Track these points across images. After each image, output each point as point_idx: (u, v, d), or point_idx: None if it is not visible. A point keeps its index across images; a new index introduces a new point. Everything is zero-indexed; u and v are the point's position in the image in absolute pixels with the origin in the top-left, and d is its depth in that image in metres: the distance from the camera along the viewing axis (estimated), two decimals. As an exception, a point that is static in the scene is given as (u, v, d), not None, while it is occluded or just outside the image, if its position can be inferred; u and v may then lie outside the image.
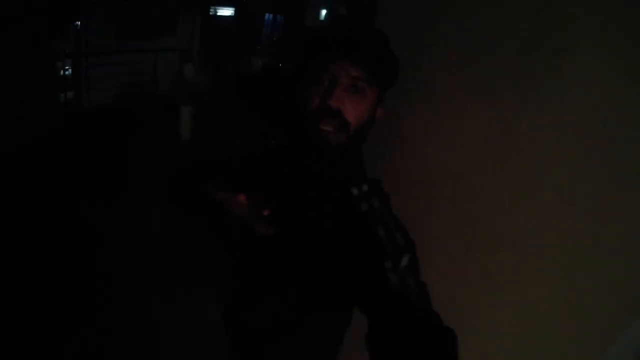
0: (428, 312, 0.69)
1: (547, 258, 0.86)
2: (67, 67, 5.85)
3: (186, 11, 7.47)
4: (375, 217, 0.79)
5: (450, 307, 0.77)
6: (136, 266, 2.79)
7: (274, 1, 8.92)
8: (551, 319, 0.87)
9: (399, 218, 0.82)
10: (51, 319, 2.27)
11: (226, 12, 8.69)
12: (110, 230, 3.19)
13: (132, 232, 3.19)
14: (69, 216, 3.28)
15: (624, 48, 0.73)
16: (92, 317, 2.36)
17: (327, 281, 0.80)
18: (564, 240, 0.83)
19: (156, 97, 6.89)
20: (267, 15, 9.37)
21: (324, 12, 9.43)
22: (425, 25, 1.15)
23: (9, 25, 4.29)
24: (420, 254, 0.78)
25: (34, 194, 3.44)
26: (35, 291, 2.43)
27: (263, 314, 0.94)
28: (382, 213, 0.81)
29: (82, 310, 2.38)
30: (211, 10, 8.40)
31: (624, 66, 0.73)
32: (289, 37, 9.26)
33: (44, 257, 2.74)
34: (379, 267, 0.72)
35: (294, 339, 0.94)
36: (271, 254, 0.88)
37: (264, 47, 9.25)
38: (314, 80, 0.79)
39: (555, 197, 0.84)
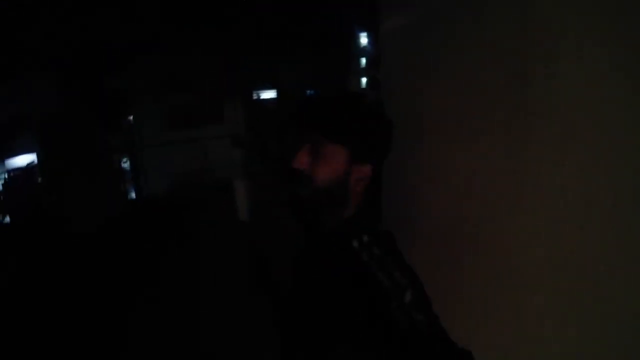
0: (442, 343, 0.72)
1: (554, 264, 0.88)
2: (125, 160, 6.08)
3: (231, 98, 7.80)
4: (375, 264, 0.82)
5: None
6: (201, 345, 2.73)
7: (312, 77, 9.20)
8: (563, 329, 0.88)
9: (402, 259, 0.85)
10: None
11: (268, 94, 9.01)
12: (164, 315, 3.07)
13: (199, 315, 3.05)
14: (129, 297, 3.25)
15: (625, 46, 0.72)
16: None
17: (337, 333, 0.82)
18: (579, 263, 0.83)
19: (210, 183, 7.00)
20: (307, 91, 9.66)
21: (364, 80, 9.63)
22: (422, 70, 1.23)
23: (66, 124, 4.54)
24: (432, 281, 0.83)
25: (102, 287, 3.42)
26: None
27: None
28: (382, 258, 0.84)
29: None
30: (254, 94, 8.74)
31: (624, 64, 0.72)
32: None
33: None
34: (385, 310, 0.75)
35: None
36: (286, 317, 0.97)
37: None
38: (293, 147, 0.89)
39: (559, 204, 0.85)
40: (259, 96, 8.79)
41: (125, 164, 6.09)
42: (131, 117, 6.06)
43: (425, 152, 1.25)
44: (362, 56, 9.55)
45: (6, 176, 4.73)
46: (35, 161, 4.90)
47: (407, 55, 1.30)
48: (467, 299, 1.10)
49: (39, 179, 4.80)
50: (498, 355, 1.02)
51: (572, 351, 0.87)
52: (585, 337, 0.84)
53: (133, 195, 6.22)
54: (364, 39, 9.40)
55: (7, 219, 4.63)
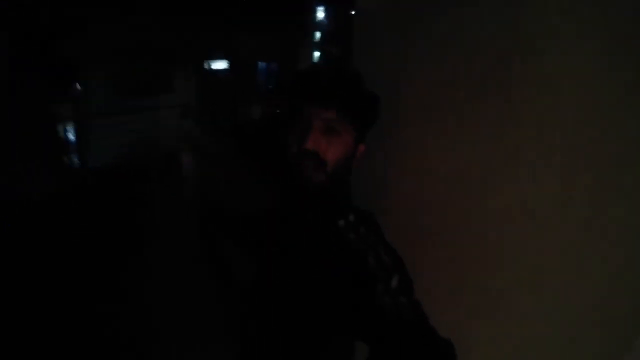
0: (424, 328, 0.72)
1: (549, 269, 0.87)
2: (69, 129, 5.82)
3: (182, 68, 7.56)
4: (362, 244, 0.81)
5: (450, 323, 0.78)
6: (145, 322, 2.74)
7: (265, 49, 9.09)
8: (559, 330, 0.87)
9: (386, 241, 0.84)
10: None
11: (220, 65, 8.81)
12: (117, 286, 3.13)
13: (140, 287, 3.13)
14: (76, 273, 3.24)
15: (616, 42, 0.73)
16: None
17: (322, 313, 0.82)
18: (565, 250, 0.83)
19: (159, 153, 6.85)
20: (260, 63, 9.53)
21: (316, 54, 9.63)
22: (400, 56, 1.16)
23: (11, 90, 4.29)
24: (418, 278, 0.80)
25: (40, 256, 3.39)
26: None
27: (266, 343, 0.96)
28: (369, 239, 0.83)
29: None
30: (205, 64, 8.52)
31: (616, 60, 0.73)
32: (283, 83, 9.38)
33: (49, 312, 2.70)
34: (370, 292, 0.74)
35: None
36: (267, 293, 0.92)
37: (260, 96, 9.34)
38: (293, 124, 0.84)
39: (553, 208, 0.85)
40: (210, 66, 8.57)
41: (70, 134, 5.83)
42: (78, 85, 5.76)
43: (398, 142, 1.19)
44: (317, 30, 9.51)
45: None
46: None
47: (384, 38, 1.21)
48: (440, 293, 1.07)
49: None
50: (483, 350, 1.01)
51: (561, 349, 0.86)
52: (575, 336, 0.83)
53: (77, 165, 5.99)
54: (320, 13, 9.34)
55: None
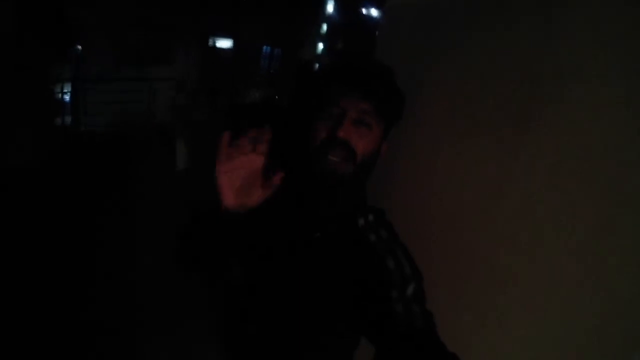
0: (433, 340, 0.70)
1: (549, 291, 0.85)
2: (65, 92, 5.80)
3: (184, 41, 7.54)
4: (383, 247, 0.81)
5: (453, 336, 0.75)
6: (126, 297, 2.71)
7: (272, 34, 9.09)
8: (564, 339, 0.85)
9: (406, 247, 0.83)
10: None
11: (224, 43, 8.79)
12: (100, 258, 3.12)
13: (123, 261, 3.12)
14: (61, 239, 3.22)
15: (619, 74, 0.73)
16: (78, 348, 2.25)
17: (333, 311, 0.81)
18: (566, 272, 0.82)
19: (152, 125, 6.86)
20: (264, 47, 9.52)
21: (320, 45, 9.65)
22: (423, 59, 1.15)
23: (10, 48, 4.27)
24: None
25: (28, 218, 3.38)
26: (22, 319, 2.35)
27: (268, 341, 0.93)
28: (390, 242, 0.83)
29: (68, 342, 2.27)
30: (209, 41, 8.49)
31: (620, 92, 0.73)
32: (285, 70, 9.40)
33: (35, 280, 2.68)
34: (385, 297, 0.73)
35: None
36: (276, 284, 0.88)
37: (260, 79, 9.35)
38: (323, 112, 0.82)
39: (556, 227, 0.83)
40: (214, 43, 8.55)
41: (66, 96, 5.82)
42: (79, 47, 5.74)
43: (408, 143, 1.17)
44: (325, 22, 9.52)
45: None
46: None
47: (411, 38, 1.19)
48: (443, 297, 1.03)
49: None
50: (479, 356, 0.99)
51: (553, 350, 0.85)
52: (580, 343, 0.82)
53: (71, 128, 5.99)
54: (330, 6, 9.34)
55: None
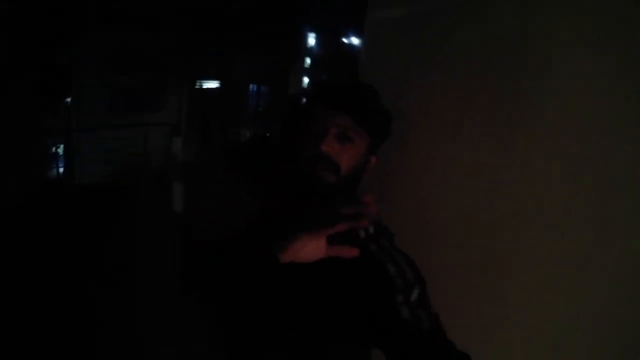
0: (442, 341, 0.73)
1: (549, 291, 0.87)
2: (59, 144, 5.72)
3: (174, 85, 7.59)
4: (384, 255, 0.84)
5: (457, 327, 0.78)
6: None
7: (258, 72, 9.21)
8: (569, 335, 0.87)
9: (407, 254, 0.86)
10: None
11: (211, 84, 8.87)
12: (100, 306, 2.98)
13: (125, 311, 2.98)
14: (55, 287, 3.13)
15: (618, 50, 0.76)
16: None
17: (340, 321, 0.82)
18: (565, 262, 0.84)
19: (148, 171, 6.78)
20: (252, 86, 9.63)
21: (306, 79, 9.80)
22: (412, 64, 1.18)
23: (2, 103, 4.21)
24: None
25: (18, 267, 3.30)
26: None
27: (276, 353, 0.92)
28: (391, 250, 0.86)
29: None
30: (197, 83, 8.56)
31: (616, 68, 0.77)
32: (273, 106, 9.49)
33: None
34: (389, 303, 0.76)
35: None
36: (284, 297, 0.87)
37: (250, 118, 9.40)
38: (308, 129, 0.86)
39: (553, 224, 0.86)
40: (201, 85, 8.63)
41: (59, 149, 5.73)
42: (69, 100, 5.71)
43: (406, 146, 1.19)
44: (307, 56, 9.73)
45: None
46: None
47: (393, 49, 1.24)
48: (447, 298, 1.01)
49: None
50: (493, 356, 1.00)
51: (555, 349, 0.87)
52: (585, 341, 0.83)
53: (65, 179, 5.87)
54: (311, 39, 9.57)
55: None
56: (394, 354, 0.74)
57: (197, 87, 8.54)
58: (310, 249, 0.76)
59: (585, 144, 0.80)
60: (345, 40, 8.72)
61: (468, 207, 1.03)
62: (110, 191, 5.76)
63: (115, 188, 5.90)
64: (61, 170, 5.85)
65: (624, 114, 0.75)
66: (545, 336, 0.89)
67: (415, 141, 1.17)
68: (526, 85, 0.89)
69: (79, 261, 3.58)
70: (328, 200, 0.85)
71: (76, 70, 5.74)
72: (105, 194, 5.62)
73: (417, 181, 1.18)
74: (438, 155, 1.11)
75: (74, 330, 2.66)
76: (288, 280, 0.84)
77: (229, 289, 0.86)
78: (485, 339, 1.00)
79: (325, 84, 0.93)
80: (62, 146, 5.81)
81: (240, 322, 0.97)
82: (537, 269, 0.89)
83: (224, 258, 0.87)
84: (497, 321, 0.99)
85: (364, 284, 0.81)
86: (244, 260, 0.82)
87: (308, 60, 9.77)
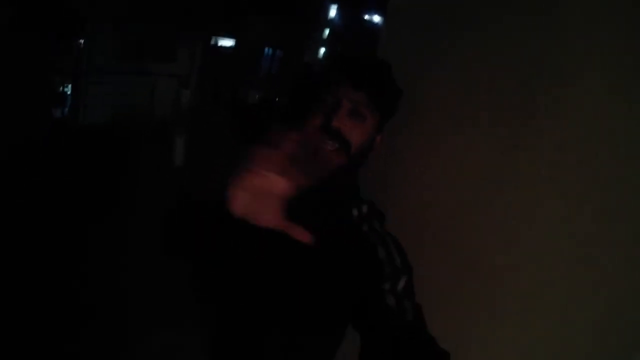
0: (423, 334, 0.72)
1: (550, 290, 0.85)
2: (67, 84, 5.79)
3: (188, 39, 7.55)
4: (375, 237, 0.82)
5: (446, 331, 0.76)
6: (118, 292, 2.68)
7: (275, 36, 9.13)
8: (562, 340, 0.84)
9: (398, 240, 0.84)
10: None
11: (227, 42, 8.82)
12: (92, 251, 3.08)
13: (115, 256, 3.07)
14: (51, 231, 3.16)
15: (619, 74, 0.74)
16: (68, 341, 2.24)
17: (322, 302, 0.80)
18: (566, 271, 0.82)
19: (152, 121, 6.85)
20: (267, 49, 9.56)
21: (322, 50, 9.72)
22: (425, 57, 1.16)
23: (13, 37, 4.26)
24: (418, 283, 0.80)
25: (19, 206, 3.34)
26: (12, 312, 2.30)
27: (253, 340, 0.90)
28: (382, 233, 0.84)
29: (59, 335, 2.25)
30: (212, 39, 8.52)
31: (621, 90, 0.74)
32: (286, 72, 9.44)
33: (22, 273, 2.63)
34: (376, 288, 0.75)
35: None
36: (266, 276, 0.83)
37: (261, 80, 9.38)
38: (319, 101, 0.82)
39: (557, 224, 0.84)
40: (216, 42, 8.58)
41: (67, 89, 5.80)
42: (82, 41, 5.74)
43: (410, 142, 1.17)
44: (327, 27, 9.60)
45: None
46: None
47: (413, 37, 1.20)
48: (441, 297, 1.03)
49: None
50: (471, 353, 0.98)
51: (552, 349, 0.85)
52: (566, 336, 0.82)
53: (71, 120, 5.97)
54: (332, 11, 9.42)
55: None
56: (373, 342, 0.73)
57: (210, 42, 8.49)
58: (263, 198, 0.57)
59: (594, 144, 0.77)
60: (366, 16, 8.59)
61: (469, 202, 1.01)
62: (113, 136, 5.82)
63: (118, 133, 5.98)
64: (67, 110, 5.92)
65: (631, 114, 0.72)
66: (543, 337, 0.86)
67: (423, 129, 1.14)
68: (537, 85, 0.86)
69: (76, 206, 3.60)
70: (333, 180, 0.81)
71: (89, 13, 5.73)
72: (107, 138, 5.69)
73: (419, 173, 1.16)
74: (444, 146, 1.09)
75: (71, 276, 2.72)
76: (273, 255, 0.79)
77: (201, 252, 0.84)
78: (481, 339, 0.98)
79: (344, 58, 0.88)
80: (69, 86, 5.87)
81: (223, 297, 0.93)
82: (539, 269, 0.86)
83: (202, 219, 0.78)
84: (497, 321, 0.95)
85: (353, 265, 0.79)
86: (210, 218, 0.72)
87: (327, 31, 9.65)
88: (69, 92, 5.91)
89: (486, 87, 0.98)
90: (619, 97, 0.74)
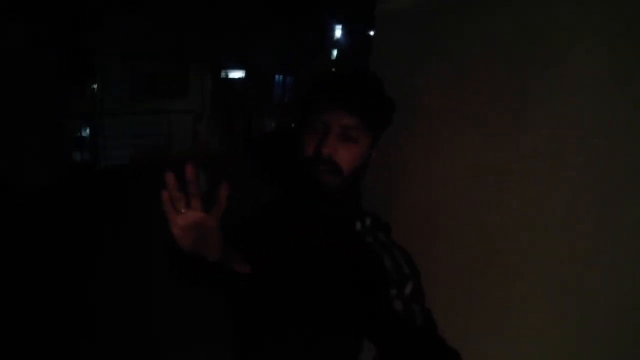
0: (433, 336, 0.72)
1: (551, 290, 0.85)
2: (85, 128, 5.93)
3: (198, 73, 7.68)
4: (381, 247, 0.82)
5: (455, 332, 0.76)
6: (140, 319, 2.67)
7: (283, 63, 9.21)
8: (571, 340, 0.84)
9: (404, 248, 0.85)
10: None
11: (237, 74, 8.94)
12: (111, 286, 3.02)
13: (135, 288, 2.99)
14: (71, 267, 3.18)
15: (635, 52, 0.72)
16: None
17: (334, 311, 0.80)
18: (578, 258, 0.81)
19: (170, 157, 6.91)
20: (277, 76, 9.65)
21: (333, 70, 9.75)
22: (418, 59, 1.17)
23: (30, 85, 4.36)
24: (426, 285, 0.81)
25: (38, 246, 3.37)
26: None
27: (271, 349, 0.90)
28: (388, 243, 0.85)
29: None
30: (222, 72, 8.64)
31: (623, 65, 0.73)
32: (297, 97, 9.49)
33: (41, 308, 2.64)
34: (384, 295, 0.75)
35: None
36: (278, 290, 0.85)
37: (275, 108, 9.44)
38: (309, 128, 0.82)
39: (557, 224, 0.84)
40: (227, 74, 8.71)
41: (85, 132, 5.93)
42: (95, 86, 5.88)
43: (410, 146, 1.19)
44: (334, 48, 9.66)
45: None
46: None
47: (404, 41, 1.22)
48: (449, 300, 1.03)
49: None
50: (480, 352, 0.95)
51: (557, 348, 0.85)
52: (568, 332, 0.83)
53: (88, 162, 6.07)
54: (337, 32, 9.49)
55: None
56: (385, 348, 0.72)
57: (220, 75, 8.61)
58: (190, 235, 0.69)
59: (592, 142, 0.77)
60: (372, 32, 8.60)
61: (473, 205, 1.02)
62: (133, 174, 5.90)
63: (137, 172, 6.04)
64: (86, 153, 6.03)
65: (632, 114, 0.72)
66: (548, 337, 0.87)
67: (422, 135, 1.15)
68: (533, 85, 0.87)
69: (98, 244, 3.62)
70: (329, 201, 0.84)
71: (100, 55, 5.89)
72: (128, 177, 5.77)
73: (423, 176, 1.16)
74: (441, 151, 1.10)
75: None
76: (283, 269, 0.83)
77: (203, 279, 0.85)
78: (487, 340, 0.99)
79: (328, 78, 0.86)
80: (87, 129, 5.99)
81: (237, 309, 0.96)
82: (541, 269, 0.87)
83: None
84: (500, 321, 0.97)
85: (359, 276, 0.79)
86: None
87: (335, 52, 9.70)
88: (84, 134, 6.01)
89: (482, 83, 0.98)
90: (616, 92, 0.74)
